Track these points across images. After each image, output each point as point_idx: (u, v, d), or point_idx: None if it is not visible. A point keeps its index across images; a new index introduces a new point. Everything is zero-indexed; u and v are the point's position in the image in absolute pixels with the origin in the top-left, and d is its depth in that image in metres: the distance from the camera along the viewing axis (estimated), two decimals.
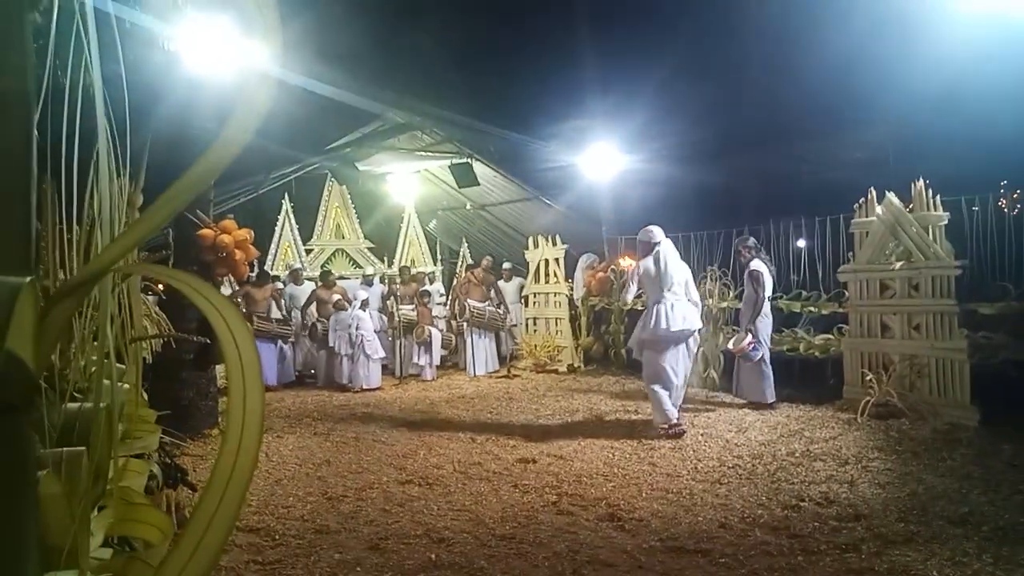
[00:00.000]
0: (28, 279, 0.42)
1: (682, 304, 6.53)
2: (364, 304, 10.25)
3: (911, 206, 6.95)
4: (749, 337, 7.41)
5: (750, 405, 7.56)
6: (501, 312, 11.29)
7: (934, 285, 6.69)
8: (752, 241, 7.91)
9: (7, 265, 0.45)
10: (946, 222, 6.80)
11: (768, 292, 7.60)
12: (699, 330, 6.82)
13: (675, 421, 6.38)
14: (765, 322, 7.62)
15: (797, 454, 5.61)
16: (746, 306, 7.69)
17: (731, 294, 8.95)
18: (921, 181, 6.89)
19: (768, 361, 7.57)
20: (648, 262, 6.64)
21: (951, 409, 6.40)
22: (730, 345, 7.74)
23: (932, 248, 6.70)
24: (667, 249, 6.66)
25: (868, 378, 6.95)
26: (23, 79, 0.52)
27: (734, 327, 8.49)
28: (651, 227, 6.80)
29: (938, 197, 6.83)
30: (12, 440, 0.43)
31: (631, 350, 10.57)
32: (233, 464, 0.50)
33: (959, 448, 5.57)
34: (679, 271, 6.66)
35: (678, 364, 6.58)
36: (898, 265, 6.94)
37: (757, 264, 7.59)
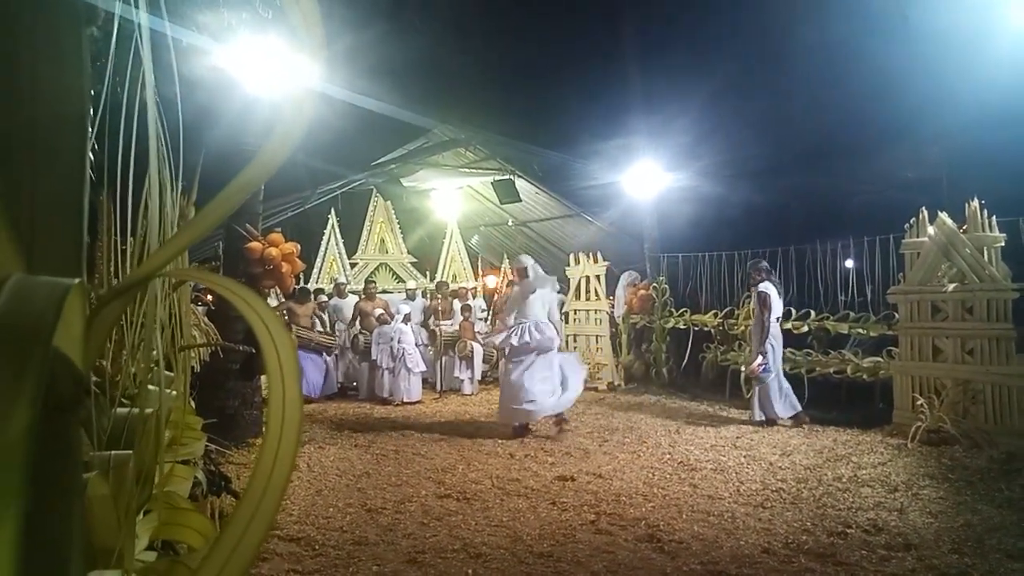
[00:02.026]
0: (77, 280, 0.43)
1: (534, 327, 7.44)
2: (407, 318, 10.35)
3: (965, 227, 6.75)
4: (760, 359, 7.61)
5: (776, 422, 7.63)
6: None
7: (989, 308, 6.48)
8: (765, 264, 8.12)
9: (58, 268, 0.47)
10: (1003, 243, 6.59)
11: (777, 314, 7.76)
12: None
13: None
14: (776, 343, 7.75)
15: (844, 479, 5.45)
16: (755, 328, 7.88)
17: None
18: (976, 201, 6.70)
19: (782, 378, 7.77)
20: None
21: (1008, 437, 6.15)
22: (743, 368, 8.06)
23: (987, 270, 6.49)
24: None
25: (919, 403, 6.74)
26: (79, 84, 0.55)
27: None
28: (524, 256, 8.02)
29: (994, 218, 6.63)
30: (60, 439, 0.45)
31: (673, 369, 10.54)
32: (271, 469, 0.51)
33: (1017, 478, 5.34)
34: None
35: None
36: (951, 287, 6.74)
37: (765, 286, 7.72)
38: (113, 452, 1.20)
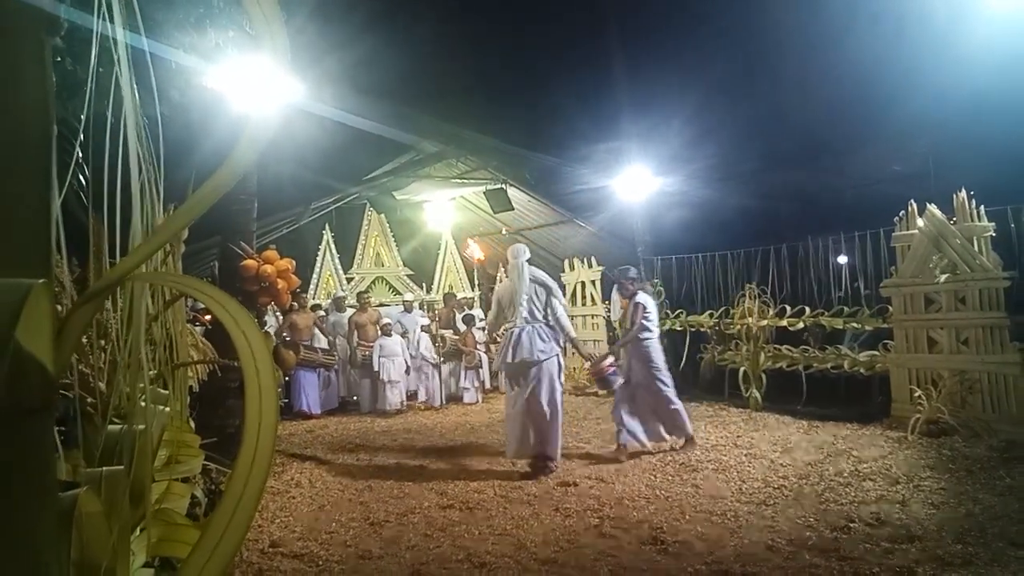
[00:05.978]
0: (41, 281, 0.44)
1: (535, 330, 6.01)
2: (405, 333, 10.38)
3: (954, 218, 6.79)
4: (611, 359, 6.51)
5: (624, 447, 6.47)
6: None
7: (982, 297, 6.50)
8: (633, 272, 7.15)
9: (22, 272, 0.48)
10: (992, 232, 6.63)
11: (654, 325, 6.75)
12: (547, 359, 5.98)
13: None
14: (657, 353, 6.70)
15: (845, 474, 5.46)
16: (626, 336, 6.91)
17: (771, 312, 8.81)
18: (963, 191, 6.74)
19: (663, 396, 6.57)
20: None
21: (1006, 426, 6.17)
22: (587, 365, 6.94)
23: (978, 260, 6.52)
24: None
25: (917, 395, 6.75)
26: (42, 92, 0.56)
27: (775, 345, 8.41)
28: (518, 245, 6.41)
29: (982, 207, 6.67)
30: (30, 442, 0.45)
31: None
32: (249, 467, 0.52)
33: (1017, 466, 5.36)
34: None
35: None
36: (943, 278, 6.76)
37: (642, 297, 6.83)
38: (104, 468, 1.20)
